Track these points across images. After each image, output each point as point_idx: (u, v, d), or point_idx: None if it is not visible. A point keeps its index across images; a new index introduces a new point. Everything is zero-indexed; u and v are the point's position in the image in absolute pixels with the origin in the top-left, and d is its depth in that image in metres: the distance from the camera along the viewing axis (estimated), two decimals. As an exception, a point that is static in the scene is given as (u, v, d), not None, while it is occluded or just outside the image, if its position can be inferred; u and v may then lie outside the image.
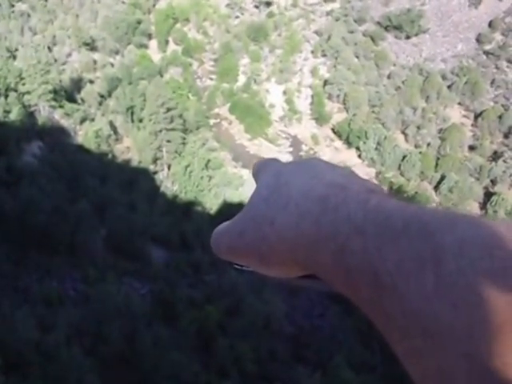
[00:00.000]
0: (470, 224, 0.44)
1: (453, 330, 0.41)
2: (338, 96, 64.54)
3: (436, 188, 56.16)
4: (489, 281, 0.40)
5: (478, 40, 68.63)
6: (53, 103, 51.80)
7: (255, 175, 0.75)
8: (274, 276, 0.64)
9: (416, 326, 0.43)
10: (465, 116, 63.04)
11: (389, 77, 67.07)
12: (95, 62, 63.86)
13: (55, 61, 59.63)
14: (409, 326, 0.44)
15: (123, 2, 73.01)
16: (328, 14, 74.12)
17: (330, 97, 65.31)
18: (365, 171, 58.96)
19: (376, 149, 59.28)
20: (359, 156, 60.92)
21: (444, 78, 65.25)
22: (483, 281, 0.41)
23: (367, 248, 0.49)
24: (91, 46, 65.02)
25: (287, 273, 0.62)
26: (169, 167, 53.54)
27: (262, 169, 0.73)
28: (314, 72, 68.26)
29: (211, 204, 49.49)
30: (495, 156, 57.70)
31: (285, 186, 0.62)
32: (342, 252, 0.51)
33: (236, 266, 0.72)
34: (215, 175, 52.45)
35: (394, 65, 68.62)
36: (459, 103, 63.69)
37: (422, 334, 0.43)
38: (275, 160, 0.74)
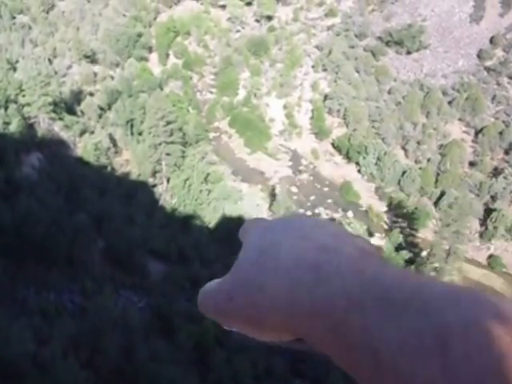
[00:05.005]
0: (474, 302, 0.42)
1: None
2: (339, 111, 64.63)
3: (436, 204, 56.13)
4: (498, 373, 0.38)
5: (479, 56, 68.84)
6: (52, 115, 51.84)
7: (242, 236, 0.72)
8: (265, 339, 0.63)
9: None
10: (465, 132, 63.08)
11: (389, 92, 67.21)
12: (95, 74, 64.04)
13: (55, 73, 59.70)
14: None
15: (124, 15, 73.24)
16: (329, 28, 74.46)
17: (330, 111, 65.40)
18: (364, 186, 58.96)
19: (376, 164, 59.24)
20: (359, 171, 60.85)
21: (445, 93, 65.42)
22: (492, 373, 0.38)
23: (367, 325, 0.47)
24: (92, 58, 65.21)
25: (278, 337, 0.61)
26: (168, 180, 53.44)
27: (249, 228, 0.71)
28: (314, 86, 68.42)
29: (210, 218, 49.39)
30: (495, 172, 57.75)
31: (273, 248, 0.60)
32: (340, 328, 0.49)
33: (225, 327, 0.70)
34: (214, 189, 52.31)
35: (395, 80, 68.77)
36: (460, 119, 63.80)
37: None
38: (261, 219, 0.73)
